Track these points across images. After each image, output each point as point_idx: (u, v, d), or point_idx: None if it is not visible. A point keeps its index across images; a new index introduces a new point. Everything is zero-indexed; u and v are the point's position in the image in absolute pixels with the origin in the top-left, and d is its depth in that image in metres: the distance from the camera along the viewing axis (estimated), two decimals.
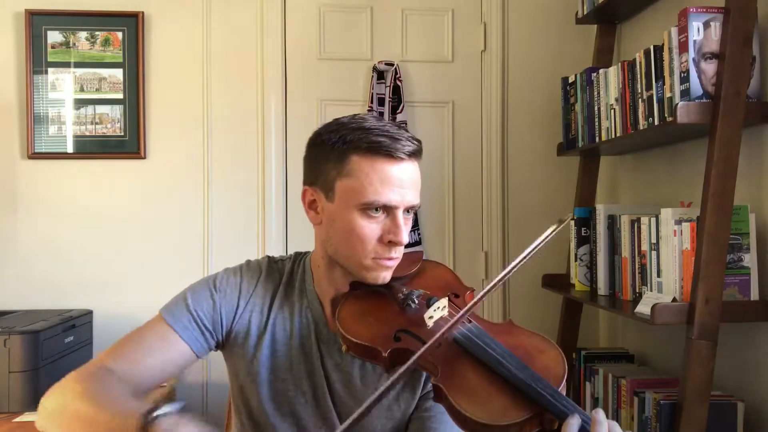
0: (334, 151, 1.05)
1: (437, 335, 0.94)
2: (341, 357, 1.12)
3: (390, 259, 1.06)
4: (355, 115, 1.11)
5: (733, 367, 1.74)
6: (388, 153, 1.03)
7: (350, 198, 1.04)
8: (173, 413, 0.85)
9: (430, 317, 1.00)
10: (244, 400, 1.15)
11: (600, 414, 0.85)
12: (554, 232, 0.99)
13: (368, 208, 1.03)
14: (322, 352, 1.12)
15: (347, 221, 1.04)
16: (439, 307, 1.01)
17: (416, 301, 1.05)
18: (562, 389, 0.91)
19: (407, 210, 1.07)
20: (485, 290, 1.00)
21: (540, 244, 0.98)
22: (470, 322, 1.02)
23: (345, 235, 1.05)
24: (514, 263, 0.98)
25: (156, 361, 1.06)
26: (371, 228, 1.04)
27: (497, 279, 1.00)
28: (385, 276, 1.07)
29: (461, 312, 0.97)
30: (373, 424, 1.11)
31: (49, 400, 0.98)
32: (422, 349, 0.92)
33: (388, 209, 1.04)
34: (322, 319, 1.13)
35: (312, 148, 1.11)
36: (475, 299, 1.00)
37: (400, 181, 1.04)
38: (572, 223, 2.22)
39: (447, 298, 1.04)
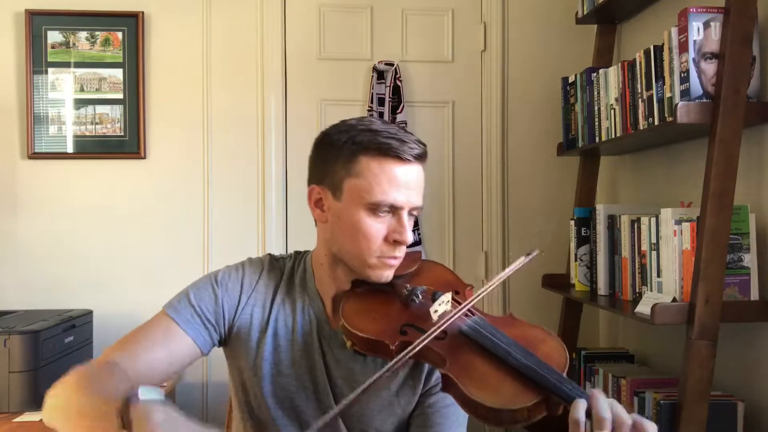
0: (344, 151, 1.07)
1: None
2: (342, 353, 1.13)
3: (394, 258, 1.09)
4: (362, 117, 1.15)
5: (733, 367, 1.73)
6: (396, 155, 1.05)
7: (358, 197, 1.06)
8: (155, 401, 0.85)
9: (435, 311, 1.03)
10: (245, 396, 1.16)
11: (597, 390, 0.87)
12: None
13: (375, 208, 1.05)
14: (323, 348, 1.14)
15: (354, 220, 1.06)
16: (443, 302, 1.04)
17: (420, 297, 1.08)
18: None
19: (411, 211, 1.09)
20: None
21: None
22: (473, 314, 1.04)
23: (351, 234, 1.07)
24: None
25: (160, 355, 1.06)
26: (377, 227, 1.06)
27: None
28: (388, 275, 1.10)
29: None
30: (374, 420, 1.12)
31: (50, 394, 0.99)
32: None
33: (394, 209, 1.07)
34: (324, 317, 1.15)
35: (320, 147, 1.13)
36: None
37: (406, 183, 1.07)
38: (572, 223, 2.22)
39: (450, 293, 1.07)
